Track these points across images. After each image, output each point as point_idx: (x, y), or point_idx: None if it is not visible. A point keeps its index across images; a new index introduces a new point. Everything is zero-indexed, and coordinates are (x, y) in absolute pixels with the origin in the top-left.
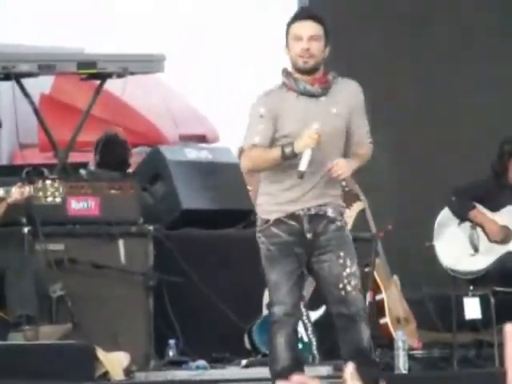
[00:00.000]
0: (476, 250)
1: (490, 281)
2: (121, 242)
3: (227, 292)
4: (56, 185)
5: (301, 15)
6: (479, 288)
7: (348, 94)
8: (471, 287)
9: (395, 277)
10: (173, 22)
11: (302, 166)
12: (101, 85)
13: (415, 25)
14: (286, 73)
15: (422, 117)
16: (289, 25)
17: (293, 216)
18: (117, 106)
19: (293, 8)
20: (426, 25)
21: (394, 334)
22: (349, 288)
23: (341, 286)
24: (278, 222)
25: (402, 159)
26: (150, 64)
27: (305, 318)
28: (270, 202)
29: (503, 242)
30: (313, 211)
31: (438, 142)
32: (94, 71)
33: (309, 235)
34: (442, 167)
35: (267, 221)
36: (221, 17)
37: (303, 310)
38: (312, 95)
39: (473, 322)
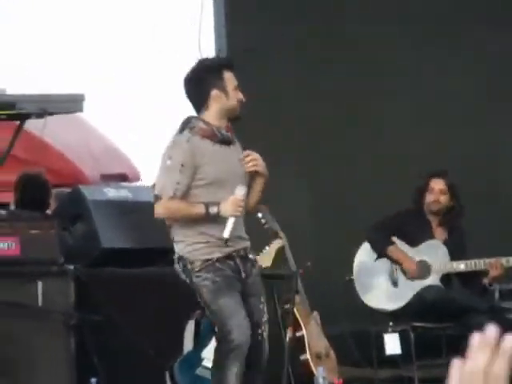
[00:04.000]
0: (395, 284)
1: (410, 315)
2: (39, 283)
3: (148, 330)
4: None
5: (232, 64)
6: (399, 323)
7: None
8: (391, 323)
9: (315, 313)
10: (94, 63)
11: (226, 233)
12: (20, 125)
13: (329, 62)
14: (202, 121)
15: (339, 152)
16: (224, 70)
17: (230, 257)
18: (37, 146)
19: (210, 47)
20: (339, 62)
21: (314, 370)
22: (264, 335)
23: (259, 331)
24: (220, 259)
25: (320, 196)
26: (69, 104)
27: None
28: (207, 245)
29: (421, 277)
30: (242, 253)
31: (356, 178)
32: (12, 112)
33: (243, 275)
34: (360, 203)
35: (209, 259)
36: (142, 57)
37: None
38: (227, 142)
39: (393, 357)
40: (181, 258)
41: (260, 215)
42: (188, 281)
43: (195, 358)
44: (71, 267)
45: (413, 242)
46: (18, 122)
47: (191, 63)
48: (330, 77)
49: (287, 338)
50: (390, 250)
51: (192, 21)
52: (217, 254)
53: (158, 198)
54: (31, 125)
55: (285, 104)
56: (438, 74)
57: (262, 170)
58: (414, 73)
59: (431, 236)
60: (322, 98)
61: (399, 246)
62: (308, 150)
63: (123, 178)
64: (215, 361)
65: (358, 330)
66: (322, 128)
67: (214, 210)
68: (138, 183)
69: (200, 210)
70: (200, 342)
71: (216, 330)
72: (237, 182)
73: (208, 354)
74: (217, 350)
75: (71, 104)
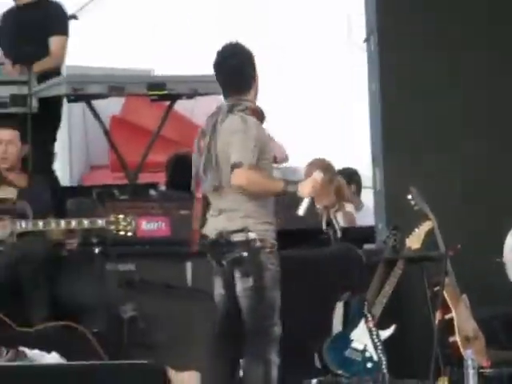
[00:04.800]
0: None
1: None
2: (189, 263)
3: (297, 311)
4: (128, 219)
5: None
6: None
7: None
8: None
9: (464, 295)
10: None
11: (302, 211)
12: (170, 106)
13: (473, 50)
14: (251, 102)
15: (493, 135)
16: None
17: None
18: (186, 126)
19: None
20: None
21: (463, 352)
22: None
23: None
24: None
25: (471, 177)
26: (215, 85)
27: (374, 336)
28: (273, 228)
29: None
30: None
31: (509, 162)
32: (163, 92)
33: None
34: (507, 183)
35: (275, 245)
36: (287, 39)
37: (373, 329)
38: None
39: None
40: (248, 231)
41: (410, 197)
42: (247, 255)
43: (344, 339)
44: None
45: None
46: (167, 103)
47: (341, 45)
48: (482, 62)
49: (436, 321)
50: None
51: (342, 2)
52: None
53: (237, 165)
54: (180, 105)
55: (439, 84)
56: None
57: None
58: None
59: None
60: (476, 81)
61: None
62: (461, 133)
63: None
64: (257, 352)
65: (507, 313)
66: (476, 111)
67: (293, 188)
68: (286, 165)
69: (279, 185)
70: (349, 324)
71: (255, 317)
72: None
73: (357, 336)
74: (258, 342)
75: (218, 85)
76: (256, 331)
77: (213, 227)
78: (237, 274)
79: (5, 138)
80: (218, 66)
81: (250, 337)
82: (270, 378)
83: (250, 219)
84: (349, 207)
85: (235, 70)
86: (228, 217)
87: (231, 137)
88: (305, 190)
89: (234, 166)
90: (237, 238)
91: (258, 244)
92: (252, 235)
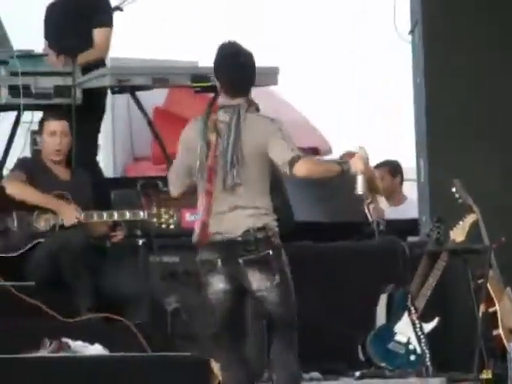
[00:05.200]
0: None
1: None
2: None
3: (341, 303)
4: (171, 212)
5: None
6: None
7: None
8: None
9: (508, 289)
10: (285, 34)
11: (361, 189)
12: (214, 98)
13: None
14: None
15: None
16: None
17: None
18: None
19: (406, 19)
20: None
21: (507, 345)
22: None
23: None
24: None
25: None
26: (263, 77)
27: (418, 329)
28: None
29: None
30: None
31: None
32: (207, 84)
33: None
34: None
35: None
36: (333, 30)
37: (417, 321)
38: None
39: None
40: (269, 229)
41: (454, 190)
42: (272, 253)
43: (388, 331)
44: None
45: None
46: (211, 95)
47: (386, 36)
48: None
49: (480, 313)
50: None
51: None
52: None
53: (296, 159)
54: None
55: (479, 75)
56: None
57: None
58: None
59: None
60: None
61: None
62: (501, 124)
63: (315, 151)
64: (289, 341)
65: None
66: None
67: (347, 167)
68: (330, 156)
69: (337, 167)
70: (392, 316)
71: (287, 310)
72: None
73: (400, 329)
74: (290, 332)
75: (266, 77)
76: (288, 322)
77: (234, 224)
78: (258, 273)
79: (58, 129)
80: (225, 64)
81: (281, 328)
82: (298, 363)
83: (268, 217)
84: (382, 203)
85: (245, 69)
86: (251, 214)
87: (268, 138)
88: (357, 165)
89: (293, 161)
90: (260, 235)
91: (277, 241)
92: (270, 232)
